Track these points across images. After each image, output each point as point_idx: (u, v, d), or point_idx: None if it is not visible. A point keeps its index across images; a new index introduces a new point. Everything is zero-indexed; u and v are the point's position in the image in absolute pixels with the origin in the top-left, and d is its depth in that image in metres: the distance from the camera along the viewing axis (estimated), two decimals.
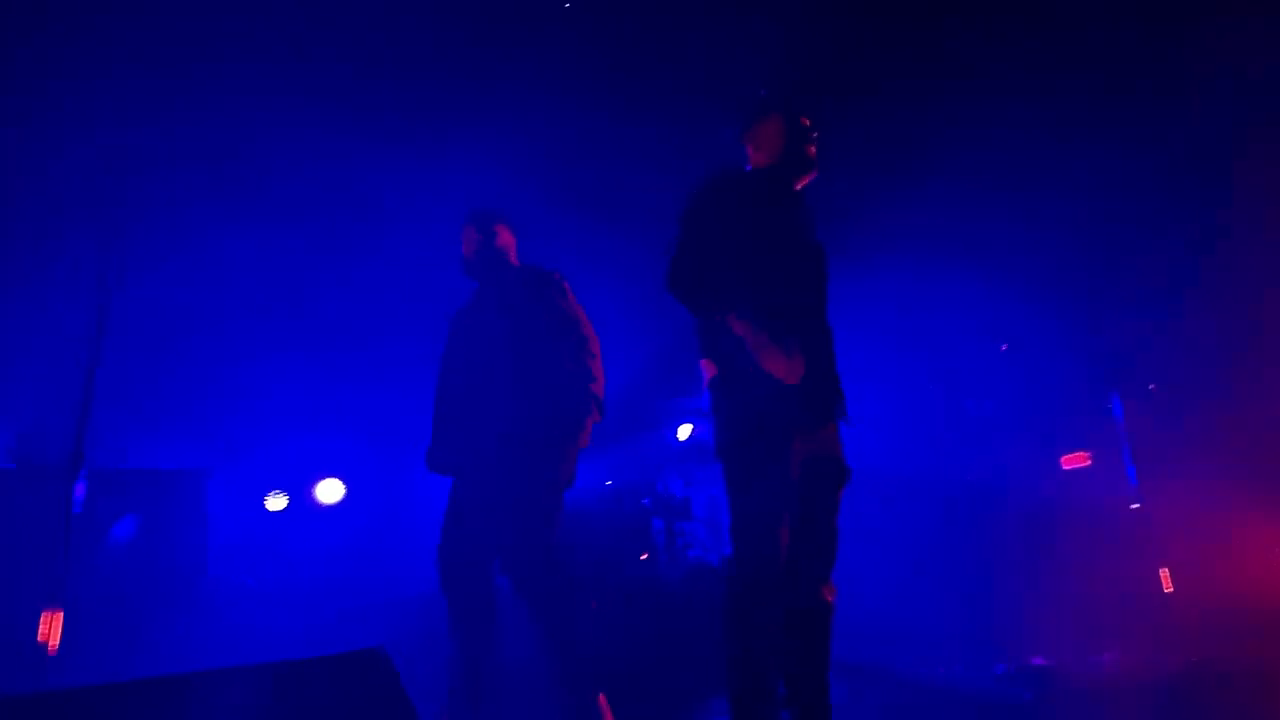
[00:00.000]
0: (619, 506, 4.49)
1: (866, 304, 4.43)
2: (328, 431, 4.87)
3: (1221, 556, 3.61)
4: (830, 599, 2.08)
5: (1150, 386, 4.12)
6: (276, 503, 4.47)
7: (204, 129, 4.13)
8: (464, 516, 2.75)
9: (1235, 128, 3.62)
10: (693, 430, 5.26)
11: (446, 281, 4.73)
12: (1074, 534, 4.25)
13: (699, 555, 4.44)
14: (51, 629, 2.86)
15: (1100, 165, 4.01)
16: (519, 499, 2.66)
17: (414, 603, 3.97)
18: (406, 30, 4.13)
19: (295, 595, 4.12)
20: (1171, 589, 3.82)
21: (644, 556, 4.11)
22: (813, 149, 2.39)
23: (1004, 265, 4.24)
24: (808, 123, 2.41)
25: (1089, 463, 4.65)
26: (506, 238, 3.08)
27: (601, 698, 2.66)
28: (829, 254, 2.40)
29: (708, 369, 2.26)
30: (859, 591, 2.23)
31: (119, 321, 3.18)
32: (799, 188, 2.41)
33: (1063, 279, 4.15)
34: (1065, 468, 4.75)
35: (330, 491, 4.60)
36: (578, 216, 4.57)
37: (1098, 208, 4.08)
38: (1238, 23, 3.39)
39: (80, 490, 2.87)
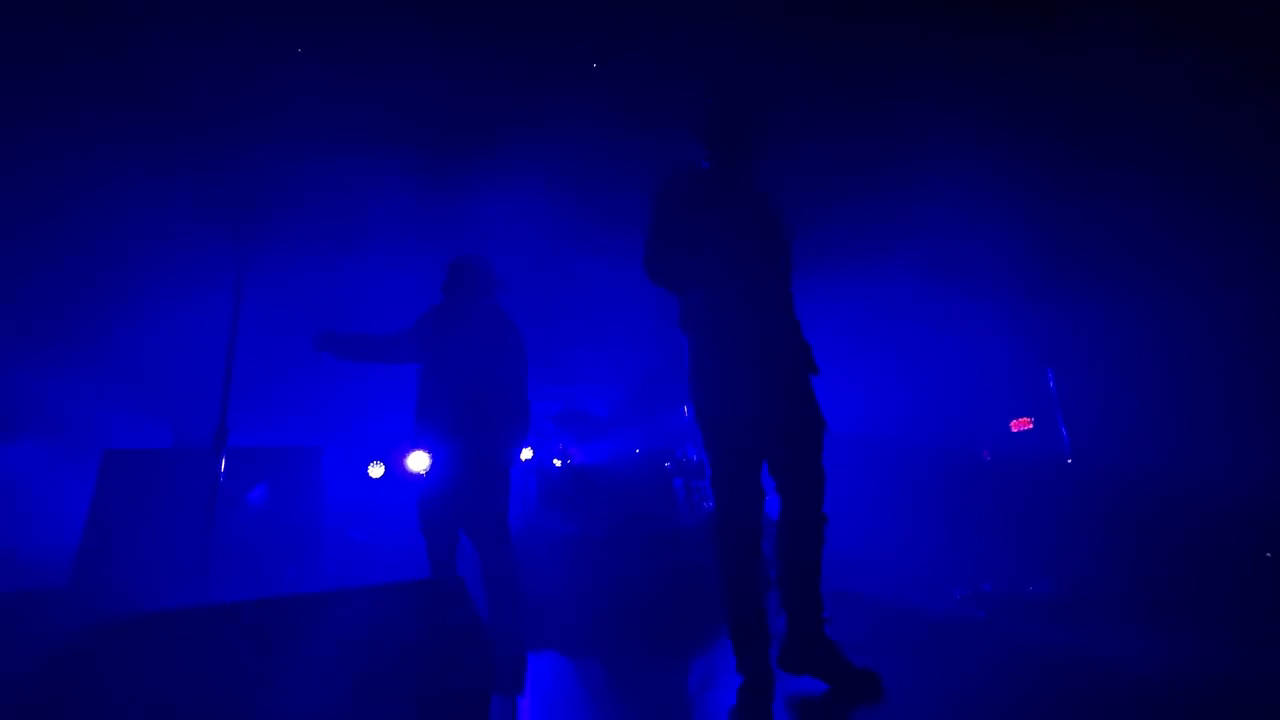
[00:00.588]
0: (647, 469, 4.60)
1: (839, 299, 4.43)
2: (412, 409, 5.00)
3: (1135, 501, 3.62)
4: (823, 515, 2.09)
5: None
6: (376, 470, 4.61)
7: (312, 172, 4.19)
8: None
9: (1153, 129, 3.48)
10: None
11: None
12: (1019, 485, 4.29)
13: (712, 507, 4.53)
14: None
15: (1042, 167, 3.95)
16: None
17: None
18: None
19: (393, 548, 4.26)
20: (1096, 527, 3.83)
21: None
22: (743, 130, 2.26)
23: (957, 261, 4.22)
24: (733, 107, 2.28)
25: (1031, 425, 4.66)
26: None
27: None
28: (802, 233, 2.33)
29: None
30: (839, 532, 2.29)
31: (248, 325, 3.30)
32: (742, 168, 2.28)
33: (1003, 271, 4.13)
34: (1014, 430, 4.76)
35: (419, 461, 4.72)
36: (605, 225, 4.57)
37: (1035, 210, 4.01)
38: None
39: (223, 465, 3.02)
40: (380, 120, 4.24)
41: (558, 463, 4.89)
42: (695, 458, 4.72)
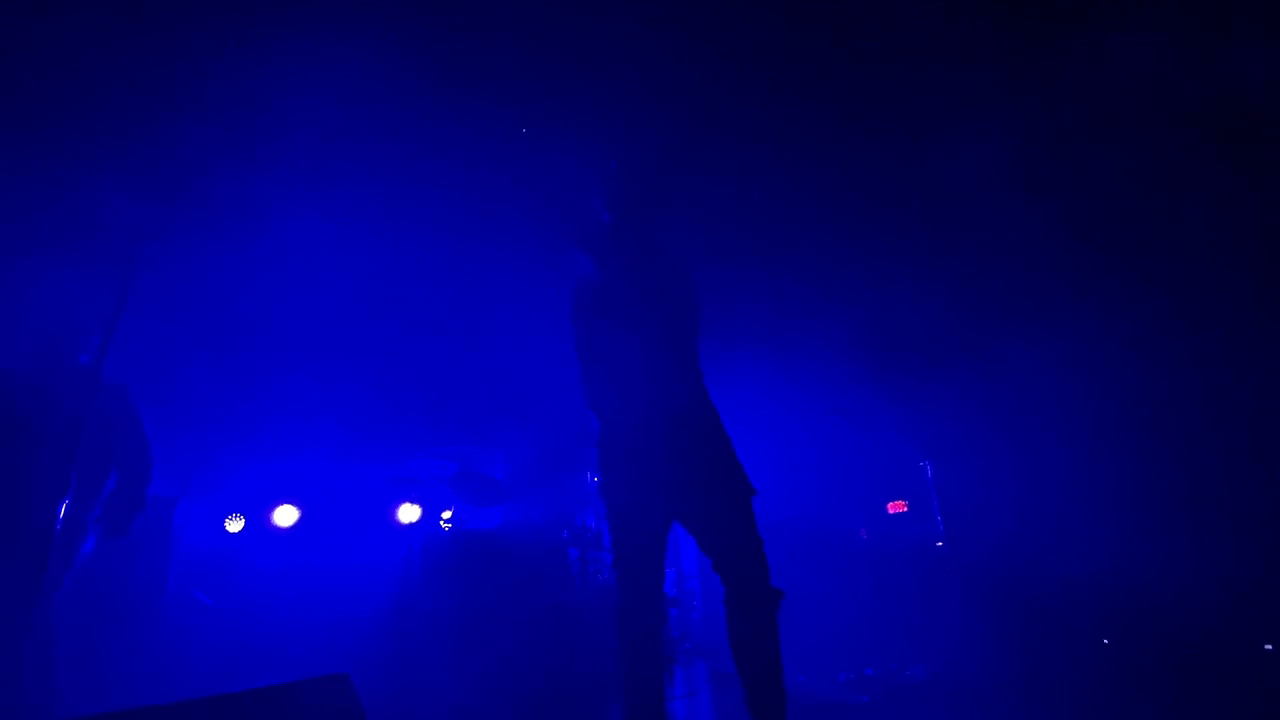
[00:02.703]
0: (542, 537, 4.50)
1: (738, 379, 4.67)
2: (284, 458, 4.63)
3: (1001, 586, 4.00)
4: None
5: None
6: (235, 525, 4.19)
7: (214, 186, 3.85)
8: None
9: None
10: None
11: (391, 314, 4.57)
12: (896, 566, 4.62)
13: (608, 580, 4.49)
14: None
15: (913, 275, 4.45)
16: None
17: (366, 622, 3.83)
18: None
19: (250, 612, 3.85)
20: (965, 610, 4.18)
21: None
22: (643, 194, 2.30)
23: (844, 353, 4.60)
24: (632, 172, 2.32)
25: (906, 508, 5.07)
26: None
27: None
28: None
29: None
30: (717, 613, 2.30)
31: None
32: (643, 232, 2.31)
33: (887, 366, 4.56)
34: (890, 512, 5.15)
35: (286, 515, 4.36)
36: (512, 275, 4.51)
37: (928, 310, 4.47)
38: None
39: (62, 512, 2.64)
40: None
41: (445, 525, 4.69)
42: (594, 526, 4.69)
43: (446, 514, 4.71)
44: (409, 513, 4.59)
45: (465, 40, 3.38)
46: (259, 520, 4.28)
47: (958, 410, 4.21)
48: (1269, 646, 3.04)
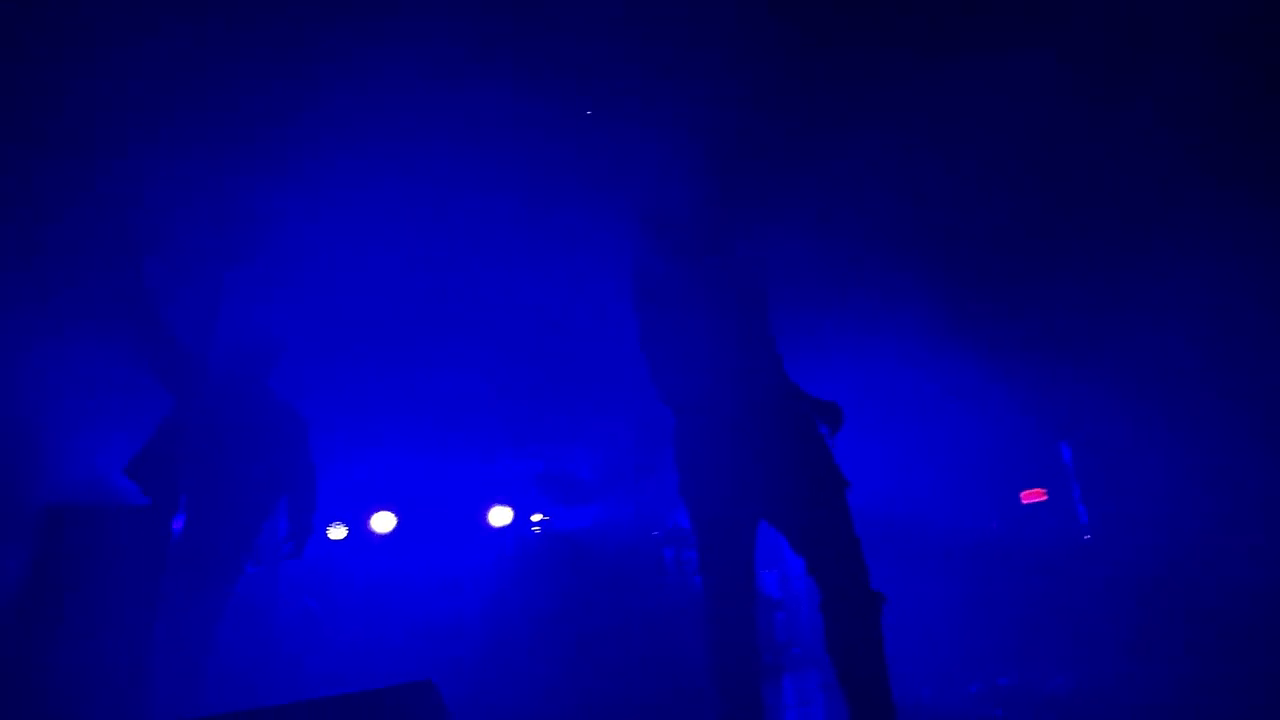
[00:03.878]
0: (632, 539, 4.43)
1: (835, 368, 4.36)
2: (383, 465, 4.81)
3: (1160, 586, 3.48)
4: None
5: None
6: (337, 533, 4.40)
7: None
8: None
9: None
10: None
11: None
12: (1033, 563, 4.13)
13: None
14: None
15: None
16: None
17: (462, 624, 3.91)
18: None
19: (354, 616, 4.04)
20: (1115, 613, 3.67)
21: None
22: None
23: (968, 329, 4.16)
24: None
25: (1045, 497, 4.55)
26: None
27: None
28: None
29: None
30: None
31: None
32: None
33: (1016, 342, 4.08)
34: (1025, 502, 4.65)
35: (384, 522, 4.53)
36: (598, 274, 4.48)
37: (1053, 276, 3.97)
38: None
39: (178, 524, 2.83)
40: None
41: (536, 528, 4.73)
42: (687, 525, 4.56)
43: (537, 516, 4.74)
44: (501, 515, 4.65)
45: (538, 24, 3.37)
46: (358, 527, 4.48)
47: (1105, 383, 3.68)
48: None
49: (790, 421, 2.04)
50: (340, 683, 3.21)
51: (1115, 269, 3.62)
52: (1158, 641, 3.07)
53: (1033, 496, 4.61)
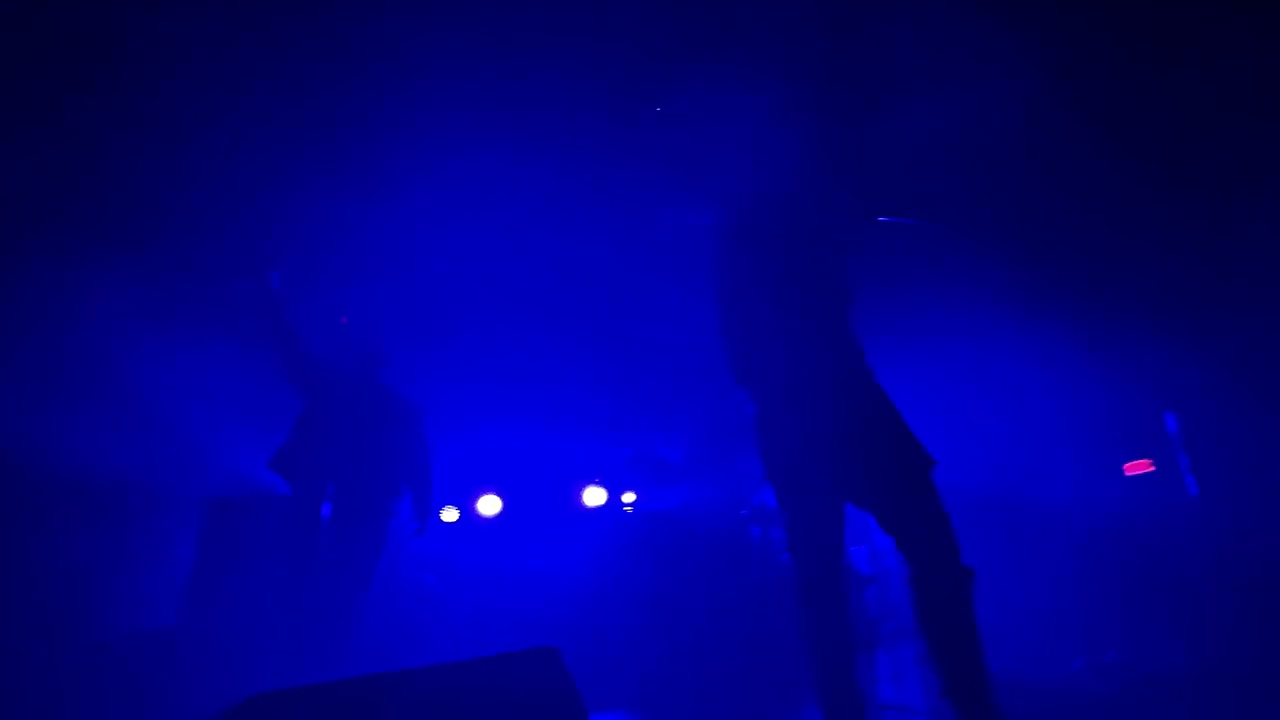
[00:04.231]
0: (720, 518, 4.54)
1: (920, 336, 4.25)
2: (486, 452, 5.12)
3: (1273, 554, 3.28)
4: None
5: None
6: (450, 515, 4.74)
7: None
8: None
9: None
10: None
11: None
12: (1139, 535, 3.97)
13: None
14: None
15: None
16: None
17: (561, 601, 4.16)
18: None
19: (468, 592, 4.36)
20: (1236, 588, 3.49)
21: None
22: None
23: (1068, 299, 3.98)
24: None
25: (1152, 468, 4.34)
26: None
27: None
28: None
29: None
30: None
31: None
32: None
33: (1118, 310, 3.88)
34: (1129, 473, 4.46)
35: (490, 505, 4.83)
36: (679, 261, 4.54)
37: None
38: None
39: (326, 511, 3.14)
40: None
41: (628, 508, 4.92)
42: (774, 505, 4.63)
43: (629, 497, 4.93)
44: (595, 496, 4.87)
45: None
46: (466, 510, 4.81)
47: (1211, 351, 3.47)
48: None
49: (870, 403, 2.04)
50: (460, 651, 3.52)
51: (1221, 235, 3.38)
52: (1269, 617, 2.92)
53: (1137, 468, 4.41)
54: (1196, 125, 3.15)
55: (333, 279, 3.96)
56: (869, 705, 1.94)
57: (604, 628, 3.99)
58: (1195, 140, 3.23)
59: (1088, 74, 3.16)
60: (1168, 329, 3.61)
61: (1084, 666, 3.08)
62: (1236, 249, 3.35)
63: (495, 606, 4.23)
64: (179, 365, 3.98)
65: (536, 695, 1.43)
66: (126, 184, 3.41)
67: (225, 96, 3.13)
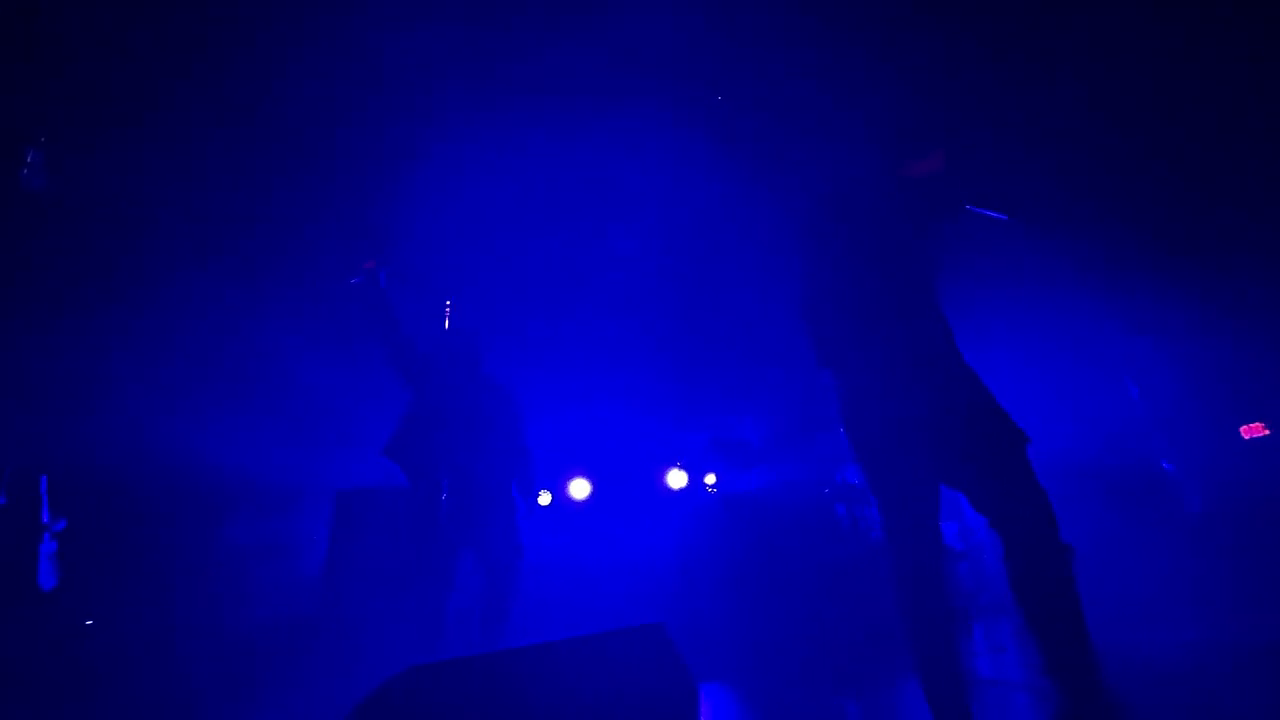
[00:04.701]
0: (804, 497, 4.57)
1: (1021, 307, 4.08)
2: (575, 439, 5.32)
3: None
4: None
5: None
6: (544, 499, 4.98)
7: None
8: None
9: None
10: None
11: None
12: (1260, 502, 3.72)
13: (881, 536, 4.40)
14: None
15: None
16: None
17: (652, 580, 4.32)
18: None
19: (560, 573, 4.58)
20: None
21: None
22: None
23: (1165, 261, 3.74)
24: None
25: (1267, 432, 4.06)
26: None
27: None
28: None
29: None
30: None
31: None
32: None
33: (1227, 268, 3.61)
34: (1245, 437, 4.18)
35: (580, 488, 5.03)
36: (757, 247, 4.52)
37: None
38: None
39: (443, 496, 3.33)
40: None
41: (711, 490, 5.02)
42: (858, 483, 4.61)
43: (710, 479, 5.03)
44: (677, 479, 5.00)
45: None
46: (559, 493, 5.03)
47: None
48: None
49: (960, 380, 1.99)
50: (565, 628, 3.74)
51: None
52: None
53: (1254, 431, 4.13)
54: None
55: (433, 274, 4.20)
56: (969, 680, 1.92)
57: (697, 607, 4.11)
58: None
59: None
60: None
61: (1196, 640, 2.96)
62: None
63: (588, 588, 4.42)
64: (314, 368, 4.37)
65: (650, 668, 1.54)
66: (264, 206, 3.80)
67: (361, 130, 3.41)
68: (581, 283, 5.05)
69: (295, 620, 3.60)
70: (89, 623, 3.88)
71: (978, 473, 1.90)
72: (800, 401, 4.89)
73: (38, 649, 3.47)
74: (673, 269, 4.92)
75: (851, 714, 2.52)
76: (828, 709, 2.63)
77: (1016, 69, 3.27)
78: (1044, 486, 1.86)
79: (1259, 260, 3.48)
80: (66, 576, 4.17)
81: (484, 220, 4.49)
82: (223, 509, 4.11)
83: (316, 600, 3.91)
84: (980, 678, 2.79)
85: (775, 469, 4.94)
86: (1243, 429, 4.21)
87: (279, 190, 3.85)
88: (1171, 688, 2.39)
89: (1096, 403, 4.20)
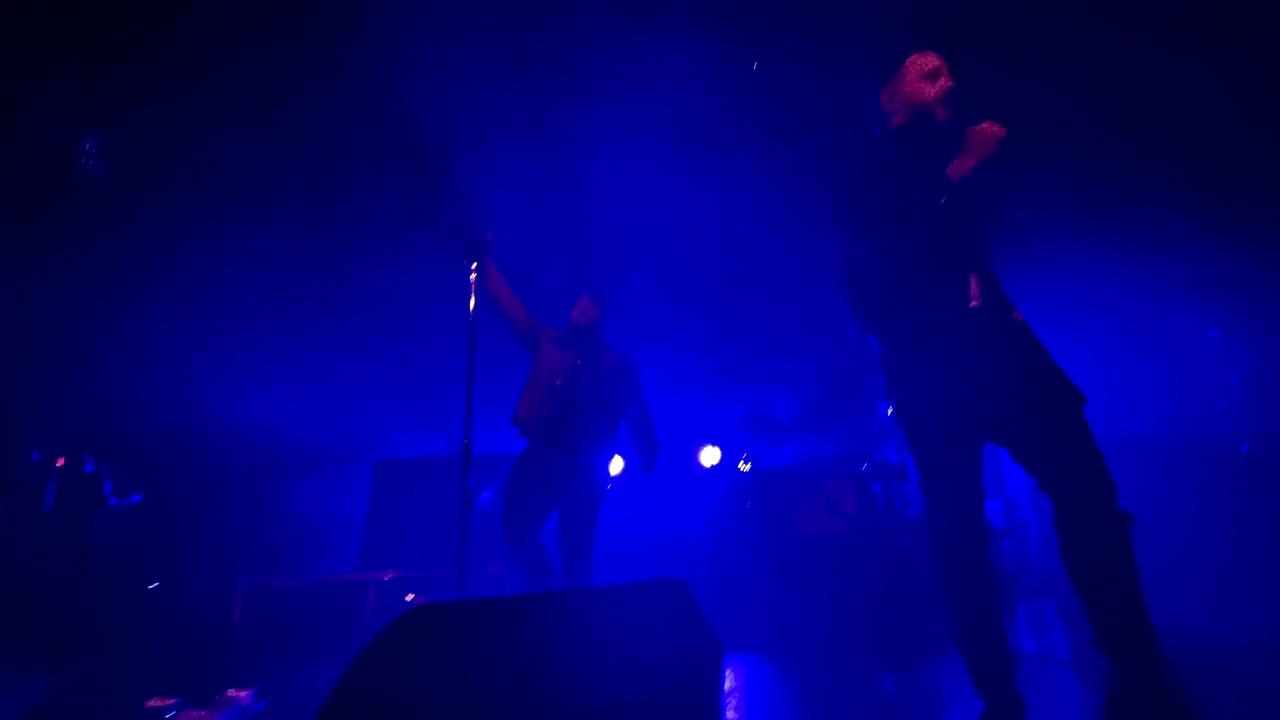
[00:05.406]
0: (841, 472, 4.45)
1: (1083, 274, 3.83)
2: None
3: None
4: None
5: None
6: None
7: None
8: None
9: None
10: None
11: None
12: None
13: (919, 513, 4.28)
14: None
15: None
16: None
17: (685, 553, 4.29)
18: None
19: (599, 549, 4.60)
20: None
21: None
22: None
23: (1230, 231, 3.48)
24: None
25: None
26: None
27: None
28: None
29: None
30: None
31: (484, 351, 3.65)
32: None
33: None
34: None
35: (614, 464, 5.00)
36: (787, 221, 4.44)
37: None
38: None
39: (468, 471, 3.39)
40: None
41: (744, 467, 4.94)
42: (895, 460, 4.48)
43: (744, 465, 4.95)
44: (710, 455, 4.93)
45: None
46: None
47: None
48: None
49: (1012, 336, 1.85)
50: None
51: None
52: None
53: None
54: None
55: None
56: (1014, 655, 1.77)
57: (730, 578, 4.06)
58: None
59: None
60: None
61: (1263, 620, 2.76)
62: None
63: (621, 557, 4.43)
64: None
65: (670, 621, 1.49)
66: None
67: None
68: (620, 258, 4.98)
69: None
70: (153, 586, 4.07)
71: (1031, 429, 1.77)
72: (832, 377, 4.76)
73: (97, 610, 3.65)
74: (703, 249, 4.83)
75: (889, 689, 2.43)
76: (865, 684, 2.55)
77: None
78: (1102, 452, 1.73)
79: None
80: (130, 542, 4.38)
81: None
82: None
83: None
84: (1024, 654, 2.66)
85: (809, 445, 4.83)
86: None
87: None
88: (1231, 670, 2.23)
89: (1165, 375, 3.93)
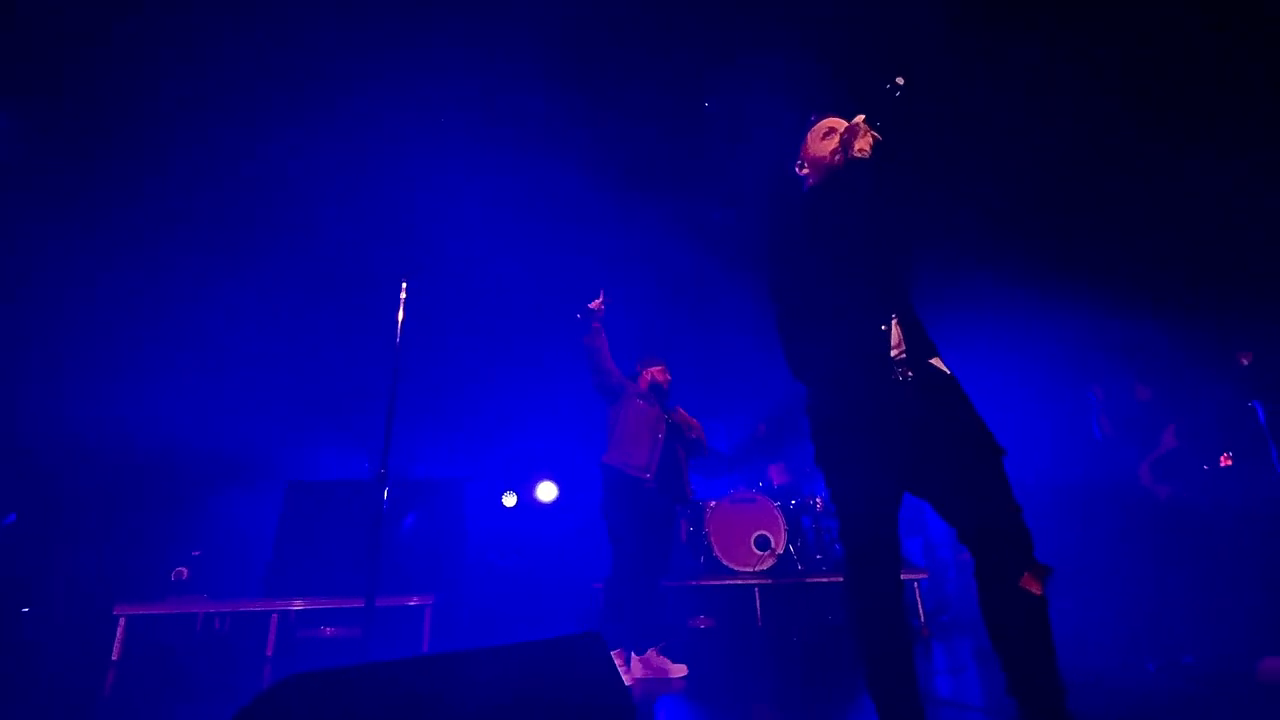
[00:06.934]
0: (772, 507, 4.41)
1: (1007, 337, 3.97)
2: (543, 442, 5.17)
3: None
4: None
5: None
6: (509, 500, 4.81)
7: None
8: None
9: None
10: None
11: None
12: (1219, 536, 3.62)
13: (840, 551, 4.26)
14: None
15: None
16: None
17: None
18: None
19: (528, 571, 4.42)
20: None
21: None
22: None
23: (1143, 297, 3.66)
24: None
25: (1231, 463, 3.95)
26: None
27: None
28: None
29: None
30: None
31: (405, 383, 3.52)
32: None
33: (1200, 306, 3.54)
34: (1223, 466, 4.07)
35: (547, 491, 4.87)
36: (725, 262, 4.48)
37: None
38: None
39: (386, 496, 3.22)
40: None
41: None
42: (824, 496, 4.48)
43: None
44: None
45: None
46: (526, 496, 4.85)
47: None
48: None
49: (936, 386, 1.86)
50: (516, 625, 3.52)
51: None
52: None
53: (1228, 461, 4.02)
54: None
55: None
56: (925, 700, 1.76)
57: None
58: None
59: None
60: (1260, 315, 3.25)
61: (1160, 668, 2.82)
62: None
63: (550, 584, 4.26)
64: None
65: (583, 678, 1.38)
66: None
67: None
68: (558, 295, 4.93)
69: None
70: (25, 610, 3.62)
71: (950, 483, 1.76)
72: (769, 413, 4.76)
73: None
74: (645, 280, 4.80)
75: None
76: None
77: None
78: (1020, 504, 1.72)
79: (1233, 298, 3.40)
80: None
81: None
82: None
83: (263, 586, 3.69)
84: (938, 698, 2.62)
85: (744, 478, 4.78)
86: (1222, 458, 4.10)
87: None
88: (1132, 717, 2.25)
89: (1074, 426, 4.08)
